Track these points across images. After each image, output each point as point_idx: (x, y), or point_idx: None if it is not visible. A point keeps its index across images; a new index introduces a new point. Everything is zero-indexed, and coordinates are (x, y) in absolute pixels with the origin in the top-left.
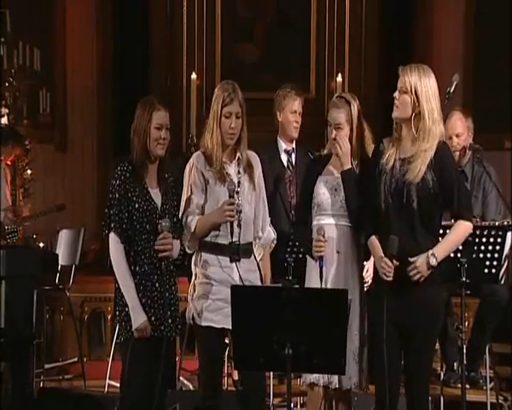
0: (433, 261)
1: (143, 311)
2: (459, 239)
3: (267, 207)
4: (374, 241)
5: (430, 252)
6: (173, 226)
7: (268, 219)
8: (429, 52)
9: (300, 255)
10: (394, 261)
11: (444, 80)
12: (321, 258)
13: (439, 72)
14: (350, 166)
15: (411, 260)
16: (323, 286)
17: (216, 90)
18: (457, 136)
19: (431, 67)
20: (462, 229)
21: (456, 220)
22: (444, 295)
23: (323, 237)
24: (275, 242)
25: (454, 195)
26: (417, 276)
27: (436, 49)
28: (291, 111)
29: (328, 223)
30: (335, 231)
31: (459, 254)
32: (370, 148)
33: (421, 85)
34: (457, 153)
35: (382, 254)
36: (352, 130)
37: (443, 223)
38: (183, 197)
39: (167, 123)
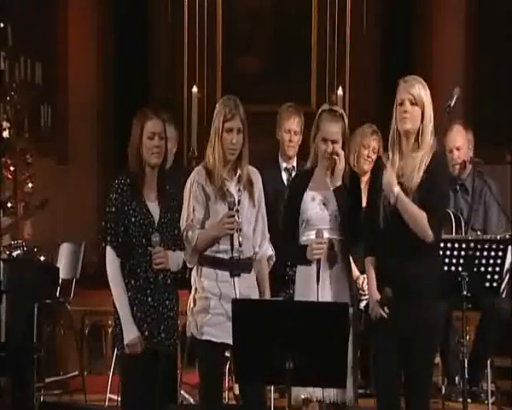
0: (397, 189)
1: (136, 326)
2: (414, 215)
3: (266, 224)
4: (369, 268)
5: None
6: (173, 239)
7: (267, 236)
8: (430, 65)
9: None
10: (385, 309)
11: (444, 94)
12: (318, 261)
13: (439, 85)
14: (340, 182)
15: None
16: (320, 289)
17: (217, 105)
18: (458, 149)
19: (432, 81)
20: (421, 214)
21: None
22: (442, 308)
23: (323, 238)
24: (273, 259)
25: (431, 196)
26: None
27: (437, 62)
28: (285, 130)
29: None
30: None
31: (460, 268)
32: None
33: (426, 96)
34: (458, 166)
35: (377, 296)
36: (344, 143)
37: (443, 236)
38: (184, 212)
39: (160, 131)
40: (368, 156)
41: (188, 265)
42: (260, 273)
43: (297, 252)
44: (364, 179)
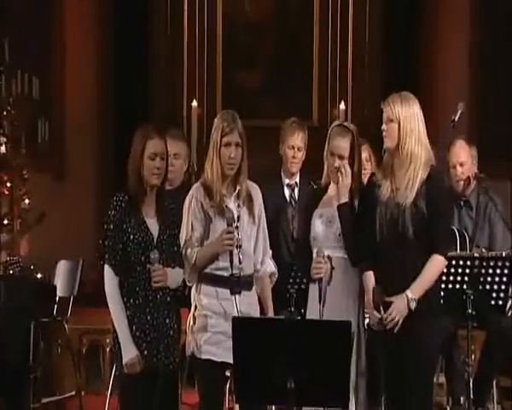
0: (414, 305)
1: (135, 345)
2: (434, 276)
3: (268, 240)
4: (368, 282)
5: (409, 296)
6: (173, 255)
7: (269, 252)
8: (434, 79)
9: (303, 286)
10: (381, 311)
11: (448, 108)
12: (320, 280)
13: (443, 99)
14: (346, 199)
15: (389, 299)
16: (322, 309)
17: (216, 119)
18: (461, 164)
19: (435, 95)
20: (436, 265)
21: (430, 253)
22: (442, 325)
23: (323, 258)
24: (276, 276)
25: (435, 225)
26: (393, 324)
27: (441, 76)
28: (289, 146)
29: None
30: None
31: (465, 286)
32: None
33: (403, 110)
34: (462, 182)
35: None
36: (353, 159)
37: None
38: (183, 229)
39: (162, 152)
40: (364, 169)
41: (187, 283)
42: (262, 291)
43: (307, 270)
44: None
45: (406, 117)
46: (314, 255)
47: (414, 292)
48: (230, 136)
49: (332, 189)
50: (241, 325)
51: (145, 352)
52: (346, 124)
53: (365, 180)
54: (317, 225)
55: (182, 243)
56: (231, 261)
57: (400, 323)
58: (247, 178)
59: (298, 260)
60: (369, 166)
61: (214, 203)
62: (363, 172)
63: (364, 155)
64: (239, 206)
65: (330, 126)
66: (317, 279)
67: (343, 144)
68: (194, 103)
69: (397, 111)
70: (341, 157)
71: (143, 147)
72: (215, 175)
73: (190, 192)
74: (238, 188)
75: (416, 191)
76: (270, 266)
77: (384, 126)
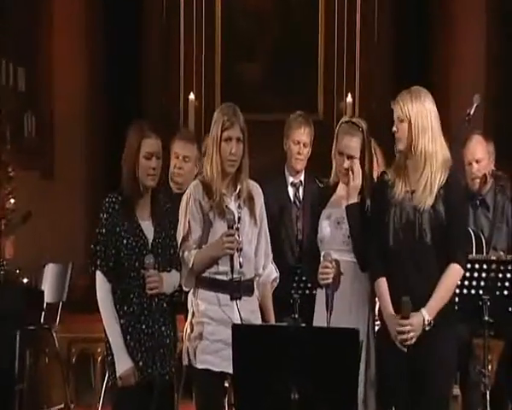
0: (428, 327)
1: (129, 356)
2: (451, 290)
3: (269, 243)
4: (382, 288)
5: (425, 318)
6: (169, 258)
7: (270, 256)
8: (448, 71)
9: (307, 291)
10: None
11: (463, 102)
12: (327, 286)
13: (458, 93)
14: (356, 200)
15: (403, 322)
16: (329, 317)
17: (215, 113)
18: (477, 162)
19: (450, 87)
20: (454, 275)
21: (447, 262)
22: (459, 335)
23: (330, 262)
24: (277, 280)
25: (452, 232)
26: (409, 342)
27: (455, 67)
28: (294, 141)
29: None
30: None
31: (481, 291)
32: None
33: (413, 107)
34: (478, 180)
35: (393, 312)
36: (363, 158)
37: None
38: (180, 231)
39: (158, 151)
40: None
41: (184, 288)
42: (263, 297)
43: (314, 274)
44: None
45: (417, 114)
46: (321, 259)
47: (430, 313)
48: (231, 130)
49: (341, 189)
50: (241, 333)
51: (140, 363)
52: (355, 120)
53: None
54: (325, 227)
55: (178, 244)
56: (232, 265)
57: (412, 342)
58: (248, 176)
59: (304, 264)
60: (374, 163)
61: (213, 203)
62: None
63: None
64: (239, 206)
65: (338, 122)
66: (324, 285)
67: (353, 144)
68: (192, 96)
69: (407, 109)
70: (351, 157)
71: (139, 146)
72: (215, 172)
73: (188, 191)
74: (239, 187)
75: (434, 195)
76: (272, 271)
77: (395, 128)
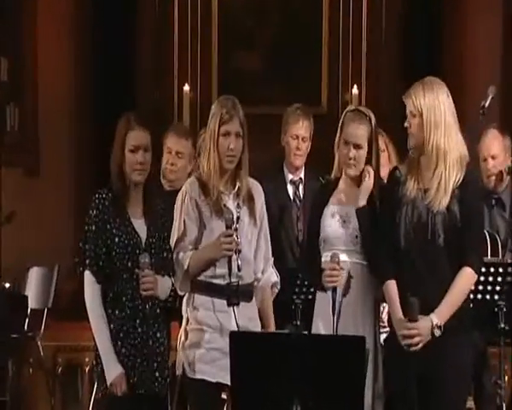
0: (438, 333)
1: (120, 363)
2: (463, 295)
3: (270, 246)
4: (391, 291)
5: (434, 322)
6: (162, 262)
7: (271, 260)
8: (461, 60)
9: (310, 296)
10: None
11: (478, 93)
12: (334, 289)
13: (472, 83)
14: (365, 201)
15: (410, 325)
16: (336, 323)
17: (213, 106)
18: (493, 158)
19: (463, 77)
20: (467, 279)
21: (460, 265)
22: (473, 342)
23: (338, 263)
24: (278, 286)
25: (467, 233)
26: (415, 347)
27: (469, 56)
28: (292, 136)
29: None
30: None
31: (496, 296)
32: None
33: (426, 100)
34: (493, 178)
35: (402, 316)
36: (371, 151)
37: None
38: (174, 230)
39: (145, 143)
40: None
41: (178, 292)
42: (263, 303)
43: (314, 276)
44: None
45: (430, 108)
46: (326, 259)
47: (440, 317)
48: (230, 124)
49: (343, 183)
50: (239, 341)
51: (132, 371)
52: (362, 109)
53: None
54: (330, 225)
55: (172, 245)
56: (229, 268)
57: (419, 347)
58: (248, 173)
59: (303, 266)
60: (384, 158)
61: (210, 201)
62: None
63: (379, 144)
64: (238, 205)
65: (343, 112)
66: (330, 288)
67: (359, 132)
68: (186, 87)
69: (419, 103)
70: (357, 146)
71: (124, 139)
72: (212, 169)
73: (183, 188)
74: (238, 185)
75: (449, 196)
76: (273, 275)
77: (407, 123)
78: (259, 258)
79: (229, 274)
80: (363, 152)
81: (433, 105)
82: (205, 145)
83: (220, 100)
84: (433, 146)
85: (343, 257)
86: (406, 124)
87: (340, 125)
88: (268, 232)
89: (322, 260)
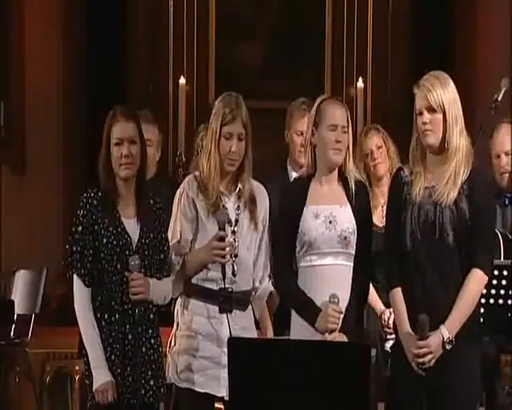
0: (449, 346)
1: (109, 370)
2: (475, 298)
3: (269, 254)
4: (398, 300)
5: (445, 336)
6: (158, 264)
7: (269, 269)
8: (472, 52)
9: None
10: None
11: (490, 86)
12: (332, 332)
13: (484, 76)
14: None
15: (421, 343)
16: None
17: (217, 102)
18: (507, 154)
19: (475, 69)
20: (477, 282)
21: (469, 267)
22: (484, 351)
23: (337, 304)
24: (277, 297)
25: (476, 233)
26: (427, 365)
27: (480, 47)
28: (296, 132)
29: (323, 264)
30: (332, 274)
31: (509, 301)
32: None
33: (445, 95)
34: (506, 175)
35: (410, 330)
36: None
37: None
38: (170, 230)
39: (130, 135)
40: (374, 159)
41: (172, 295)
42: (261, 313)
43: (296, 299)
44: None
45: (451, 103)
46: (315, 262)
47: (451, 329)
48: (232, 125)
49: (323, 181)
50: (238, 348)
51: (122, 380)
52: (335, 97)
53: (375, 172)
54: (314, 228)
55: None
56: (223, 273)
57: (431, 364)
58: (251, 175)
59: (281, 282)
60: (382, 154)
61: (208, 201)
62: (373, 162)
63: (376, 140)
64: (239, 207)
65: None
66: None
67: (345, 115)
68: (182, 80)
69: (440, 98)
70: (344, 128)
71: (109, 132)
72: (213, 170)
73: (182, 185)
74: (239, 186)
75: (457, 189)
76: (271, 286)
77: (425, 119)
78: (259, 266)
79: (223, 279)
80: (349, 137)
81: (454, 100)
82: (205, 144)
83: (224, 97)
84: (452, 143)
85: (328, 260)
86: (425, 120)
87: (312, 117)
88: (268, 241)
89: (304, 264)
